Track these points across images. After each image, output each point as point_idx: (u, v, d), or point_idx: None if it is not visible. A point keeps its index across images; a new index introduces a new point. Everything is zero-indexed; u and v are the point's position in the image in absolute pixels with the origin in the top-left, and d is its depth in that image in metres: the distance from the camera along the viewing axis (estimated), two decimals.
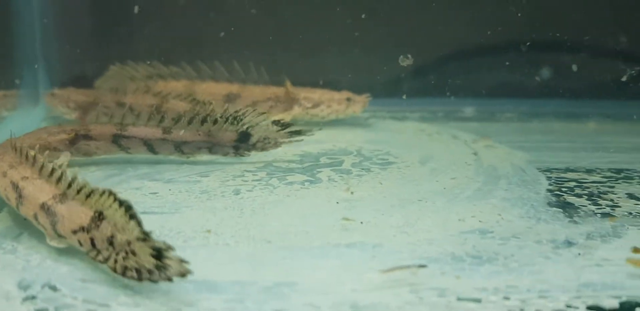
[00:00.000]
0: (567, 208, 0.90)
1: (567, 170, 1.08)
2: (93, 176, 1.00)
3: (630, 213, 0.88)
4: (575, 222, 0.85)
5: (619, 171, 1.08)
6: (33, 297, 0.65)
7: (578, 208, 0.90)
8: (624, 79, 1.37)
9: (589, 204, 0.92)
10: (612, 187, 0.99)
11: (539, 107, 1.52)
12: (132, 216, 0.66)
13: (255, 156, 1.09)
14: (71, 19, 1.52)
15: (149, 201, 0.91)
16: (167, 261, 0.63)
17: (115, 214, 0.67)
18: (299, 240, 0.78)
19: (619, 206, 0.91)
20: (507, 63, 1.57)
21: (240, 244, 0.77)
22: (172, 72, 1.41)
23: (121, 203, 0.67)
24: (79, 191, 0.73)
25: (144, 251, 0.64)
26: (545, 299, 0.66)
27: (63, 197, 0.73)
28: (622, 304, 0.65)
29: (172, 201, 0.90)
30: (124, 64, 1.41)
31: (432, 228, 0.82)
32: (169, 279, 0.63)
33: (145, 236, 0.65)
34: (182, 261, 0.63)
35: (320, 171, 1.05)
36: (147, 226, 0.66)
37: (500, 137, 1.27)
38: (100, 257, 0.68)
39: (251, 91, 1.37)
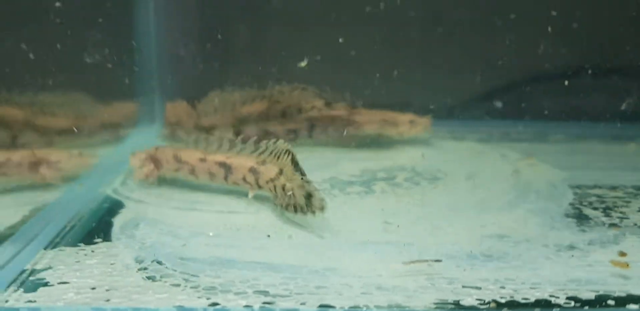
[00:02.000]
0: (580, 218, 1.05)
1: (594, 186, 1.22)
2: None
3: (636, 224, 1.03)
4: (584, 230, 1.00)
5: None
6: (145, 268, 0.87)
7: (590, 219, 1.05)
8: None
9: (602, 216, 1.07)
10: (629, 202, 1.13)
11: (588, 130, 1.65)
12: (298, 171, 1.02)
13: (321, 170, 1.31)
14: (182, 55, 1.80)
15: (235, 202, 1.12)
16: (313, 201, 0.98)
17: (289, 170, 1.04)
18: (346, 237, 0.98)
19: (628, 218, 1.05)
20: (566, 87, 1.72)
21: (299, 237, 0.97)
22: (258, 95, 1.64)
23: (293, 163, 1.04)
24: (272, 156, 1.08)
25: (300, 194, 0.99)
26: (534, 289, 0.82)
27: (263, 162, 1.08)
28: (597, 296, 0.81)
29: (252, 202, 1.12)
30: (222, 89, 1.67)
31: (458, 232, 0.99)
32: (312, 212, 0.97)
33: (303, 184, 1.00)
34: (322, 199, 0.97)
35: (375, 184, 1.24)
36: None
37: (545, 157, 1.42)
38: (277, 200, 1.04)
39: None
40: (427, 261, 0.88)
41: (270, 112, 1.49)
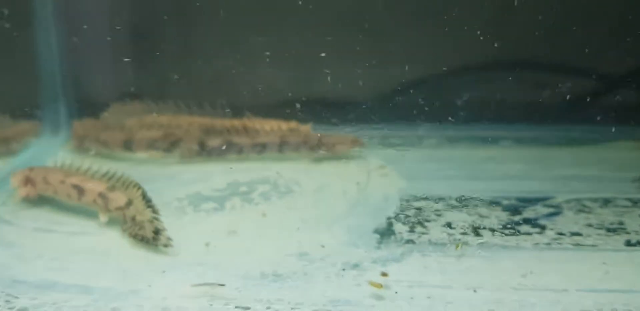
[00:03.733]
0: (385, 234, 1.19)
1: (422, 198, 1.35)
2: None
3: (430, 240, 1.16)
4: (379, 248, 1.14)
5: (463, 199, 1.33)
6: None
7: (394, 234, 1.19)
8: None
9: (406, 231, 1.20)
10: (441, 215, 1.27)
11: (463, 132, 1.76)
12: (149, 206, 1.18)
13: (189, 185, 1.45)
14: (87, 63, 1.93)
15: (91, 224, 1.28)
16: (160, 237, 1.13)
17: (140, 202, 1.18)
18: (169, 259, 1.12)
19: (427, 233, 1.19)
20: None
21: (127, 260, 1.12)
22: (161, 108, 1.78)
23: (144, 195, 1.19)
24: (122, 185, 1.23)
25: (149, 228, 1.14)
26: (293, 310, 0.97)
27: (112, 188, 1.23)
28: None
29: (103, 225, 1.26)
30: (124, 101, 1.80)
31: (267, 251, 1.14)
32: (157, 245, 1.12)
33: (152, 220, 1.15)
34: (168, 238, 1.13)
35: (230, 199, 1.38)
36: None
37: (401, 165, 1.54)
38: (124, 226, 1.18)
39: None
40: (212, 284, 1.02)
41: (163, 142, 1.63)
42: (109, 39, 1.89)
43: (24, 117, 1.78)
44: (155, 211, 1.18)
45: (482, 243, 1.14)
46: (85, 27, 1.88)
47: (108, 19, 1.90)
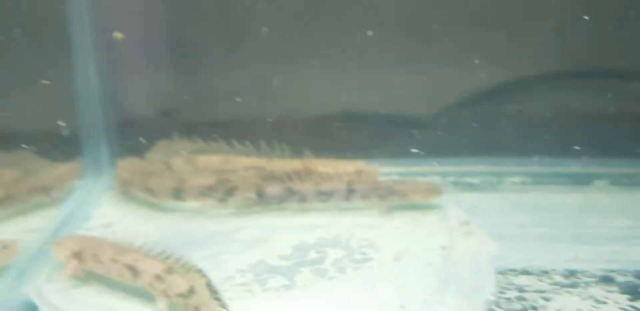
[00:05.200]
0: None
1: (523, 272, 1.18)
2: None
3: None
4: None
5: (571, 273, 1.17)
6: None
7: None
8: None
9: None
10: (549, 299, 1.10)
11: (550, 167, 1.59)
12: (216, 298, 1.02)
13: (249, 250, 1.30)
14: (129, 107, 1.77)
15: None
16: None
17: (204, 291, 1.03)
18: None
19: None
20: None
21: None
22: (211, 147, 1.61)
23: (208, 284, 1.04)
24: (181, 267, 1.08)
25: None
26: None
27: (170, 270, 1.08)
28: None
29: None
30: (170, 138, 1.64)
31: None
32: None
33: None
34: None
35: (300, 272, 1.22)
36: None
37: (486, 219, 1.37)
38: None
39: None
40: None
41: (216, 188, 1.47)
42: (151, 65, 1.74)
43: (62, 158, 1.63)
44: (223, 305, 1.03)
45: None
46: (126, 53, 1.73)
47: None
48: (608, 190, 1.51)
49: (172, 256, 1.12)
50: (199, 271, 1.08)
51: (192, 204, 1.49)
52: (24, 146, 1.55)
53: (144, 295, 1.14)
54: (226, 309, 1.02)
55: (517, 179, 1.58)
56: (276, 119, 1.70)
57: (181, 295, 1.06)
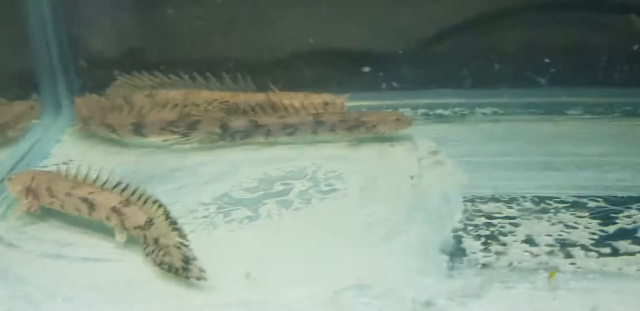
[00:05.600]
0: (455, 255, 1.00)
1: (490, 199, 1.15)
2: None
3: (511, 263, 0.97)
4: (451, 276, 0.95)
5: (541, 199, 1.14)
6: None
7: (466, 255, 1.00)
8: None
9: (480, 250, 1.01)
10: (518, 225, 1.07)
11: (521, 98, 1.55)
12: (175, 228, 0.99)
13: (215, 182, 1.26)
14: (84, 33, 1.69)
15: (105, 245, 1.09)
16: (191, 267, 0.94)
17: (163, 222, 1.00)
18: (204, 297, 0.94)
19: (506, 254, 1.00)
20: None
21: (150, 299, 0.94)
22: (172, 82, 1.55)
23: (167, 215, 1.01)
24: (138, 198, 1.05)
25: (177, 255, 0.96)
26: None
27: (127, 202, 1.04)
28: None
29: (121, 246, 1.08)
30: (130, 74, 1.57)
31: (316, 283, 0.95)
32: (188, 278, 0.94)
33: (180, 245, 0.97)
34: (201, 270, 0.94)
35: (265, 204, 1.18)
36: None
37: (456, 148, 1.34)
38: (147, 250, 1.00)
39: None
40: None
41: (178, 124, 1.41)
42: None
43: (20, 97, 1.56)
44: (182, 235, 0.99)
45: (576, 269, 0.95)
46: None
47: None
48: (581, 119, 1.48)
49: (129, 189, 1.07)
50: (157, 201, 1.04)
51: (153, 140, 1.44)
52: None
53: (102, 229, 1.11)
54: (185, 239, 0.99)
55: (488, 110, 1.55)
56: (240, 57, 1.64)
57: (139, 227, 1.03)
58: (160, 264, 0.98)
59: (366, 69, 1.65)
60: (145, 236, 1.02)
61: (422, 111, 1.58)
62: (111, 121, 1.43)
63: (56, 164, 1.32)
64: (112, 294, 0.96)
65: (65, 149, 1.47)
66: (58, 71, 1.63)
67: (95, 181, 1.11)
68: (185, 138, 1.41)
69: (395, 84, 1.64)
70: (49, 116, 1.61)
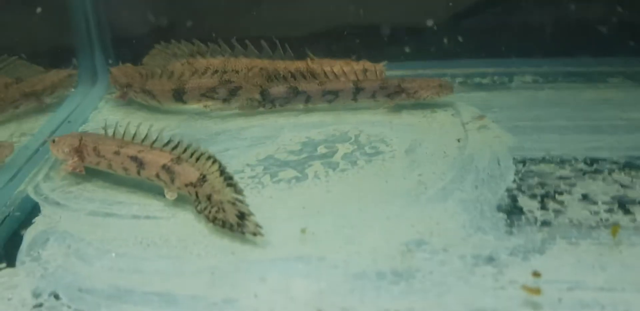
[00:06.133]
0: (513, 213, 0.99)
1: (542, 161, 1.14)
2: None
3: (571, 221, 0.96)
4: (511, 233, 0.94)
5: (593, 161, 1.12)
6: (40, 305, 0.85)
7: (524, 213, 0.98)
8: None
9: (537, 208, 1.00)
10: (574, 185, 1.05)
11: (561, 67, 1.54)
12: (230, 184, 0.96)
13: (258, 146, 1.25)
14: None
15: (155, 203, 1.08)
16: (247, 222, 0.92)
17: (217, 178, 0.97)
18: (259, 253, 0.92)
19: (564, 212, 0.98)
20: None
21: (209, 256, 0.93)
22: (211, 50, 1.53)
23: (222, 171, 0.98)
24: (191, 156, 1.02)
25: (232, 211, 0.94)
26: None
27: (178, 160, 1.02)
28: None
29: (171, 204, 1.07)
30: (167, 42, 1.56)
31: (376, 239, 0.94)
32: (243, 233, 0.92)
33: (235, 201, 0.94)
34: (257, 225, 0.92)
35: (311, 165, 1.17)
36: None
37: (500, 114, 1.33)
38: (199, 207, 0.98)
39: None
40: None
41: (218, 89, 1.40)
42: None
43: (56, 65, 1.55)
44: (238, 191, 0.97)
45: (638, 225, 0.94)
46: None
47: None
48: (623, 85, 1.46)
49: (181, 146, 1.06)
50: (211, 157, 1.02)
51: (193, 106, 1.43)
52: (22, 55, 1.47)
53: (151, 189, 1.10)
54: (241, 195, 0.97)
55: (528, 78, 1.53)
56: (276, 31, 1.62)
57: (191, 185, 1.01)
58: (214, 220, 0.97)
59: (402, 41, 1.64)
60: (197, 194, 1.01)
61: (460, 79, 1.56)
62: (151, 86, 1.41)
63: (95, 129, 1.31)
64: (165, 249, 0.95)
65: (103, 114, 1.45)
66: (95, 42, 1.62)
67: (144, 140, 1.09)
68: (226, 104, 1.39)
69: (432, 51, 1.61)
70: (86, 84, 1.59)
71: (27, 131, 1.37)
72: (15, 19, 1.52)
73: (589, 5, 1.58)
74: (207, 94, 1.40)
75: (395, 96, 1.39)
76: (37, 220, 1.05)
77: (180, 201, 1.05)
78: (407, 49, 1.64)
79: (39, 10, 1.52)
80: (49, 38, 1.58)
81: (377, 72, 1.44)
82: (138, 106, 1.47)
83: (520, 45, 1.60)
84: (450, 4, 1.65)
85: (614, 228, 0.91)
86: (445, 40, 1.64)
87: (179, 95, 1.41)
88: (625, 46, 1.53)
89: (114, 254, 0.95)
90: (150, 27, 1.69)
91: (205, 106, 1.41)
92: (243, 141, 1.28)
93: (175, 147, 1.06)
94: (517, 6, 1.63)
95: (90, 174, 1.15)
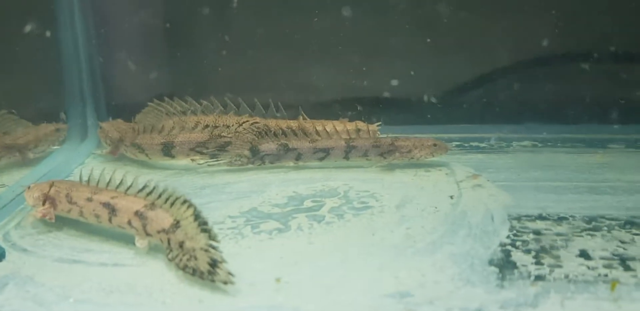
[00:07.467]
0: (505, 267, 0.92)
1: (538, 218, 1.08)
2: None
3: (567, 276, 0.89)
4: (502, 286, 0.87)
5: (592, 219, 1.06)
6: None
7: (517, 267, 0.92)
8: None
9: (531, 263, 0.93)
10: (571, 241, 0.99)
11: (562, 134, 1.51)
12: (204, 229, 0.90)
13: (243, 199, 1.20)
14: (117, 60, 1.68)
15: (125, 251, 1.02)
16: (218, 270, 0.87)
17: (191, 224, 0.91)
18: (230, 301, 0.86)
19: (561, 267, 0.91)
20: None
21: (175, 303, 0.86)
22: (203, 107, 1.51)
23: (196, 216, 0.91)
24: (165, 201, 0.97)
25: (203, 258, 0.88)
26: None
27: (152, 206, 0.97)
28: None
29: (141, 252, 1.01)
30: (160, 100, 1.54)
31: (356, 290, 0.87)
32: (213, 281, 0.87)
33: (208, 248, 0.89)
34: (229, 273, 0.87)
35: (295, 217, 1.12)
36: None
37: (496, 174, 1.28)
38: (170, 255, 0.93)
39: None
40: None
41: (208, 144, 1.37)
42: (139, 34, 1.67)
43: (47, 121, 1.54)
44: (212, 237, 0.91)
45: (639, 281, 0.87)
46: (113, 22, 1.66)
47: (136, 14, 1.68)
48: (624, 151, 1.42)
49: (156, 192, 1.01)
50: (186, 202, 0.96)
51: (182, 162, 1.39)
52: (12, 111, 1.47)
53: (123, 238, 1.04)
54: (215, 240, 0.91)
55: (526, 142, 1.50)
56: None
57: (163, 231, 0.96)
58: (184, 268, 0.91)
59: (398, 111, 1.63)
60: (169, 241, 0.95)
61: (457, 143, 1.53)
62: (140, 140, 1.39)
63: None
64: (129, 296, 0.88)
65: (88, 170, 1.41)
66: (88, 99, 1.62)
67: (118, 186, 1.05)
68: (214, 159, 1.36)
69: (428, 117, 1.60)
70: (74, 141, 1.57)
71: (6, 182, 1.33)
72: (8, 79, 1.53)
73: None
74: (197, 148, 1.37)
75: (388, 155, 1.35)
76: (0, 266, 0.98)
77: (152, 250, 0.99)
78: (404, 115, 1.62)
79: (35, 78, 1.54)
80: (40, 95, 1.58)
81: (371, 133, 1.41)
82: (126, 161, 1.43)
83: (517, 114, 1.58)
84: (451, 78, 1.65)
85: (613, 283, 0.84)
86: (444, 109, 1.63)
87: (168, 149, 1.38)
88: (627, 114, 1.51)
89: (71, 300, 0.88)
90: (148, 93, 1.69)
91: (193, 160, 1.37)
92: (228, 194, 1.23)
93: (150, 193, 1.01)
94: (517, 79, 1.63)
95: (62, 223, 1.10)
